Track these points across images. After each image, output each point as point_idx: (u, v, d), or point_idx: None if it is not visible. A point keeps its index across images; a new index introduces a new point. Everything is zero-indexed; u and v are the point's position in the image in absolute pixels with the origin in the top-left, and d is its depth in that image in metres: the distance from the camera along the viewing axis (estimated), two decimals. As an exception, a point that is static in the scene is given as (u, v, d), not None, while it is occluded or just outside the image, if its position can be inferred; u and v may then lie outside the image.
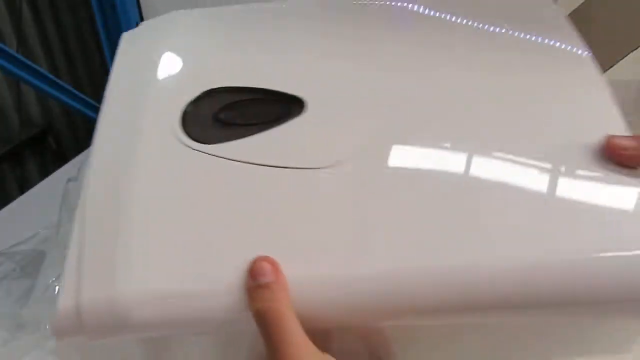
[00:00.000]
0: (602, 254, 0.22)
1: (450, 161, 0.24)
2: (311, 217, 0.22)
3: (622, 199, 0.24)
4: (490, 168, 0.24)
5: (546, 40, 0.32)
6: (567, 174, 0.24)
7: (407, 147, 0.24)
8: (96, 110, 1.15)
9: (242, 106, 0.26)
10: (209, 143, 0.24)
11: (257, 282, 0.22)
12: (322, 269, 0.22)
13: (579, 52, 0.33)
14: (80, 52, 1.31)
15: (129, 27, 1.22)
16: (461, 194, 0.23)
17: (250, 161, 0.23)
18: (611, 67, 0.52)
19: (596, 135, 0.26)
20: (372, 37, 0.30)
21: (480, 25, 0.31)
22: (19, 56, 0.91)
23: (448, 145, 0.25)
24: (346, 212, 0.22)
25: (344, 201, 0.22)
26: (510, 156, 0.25)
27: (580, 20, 0.75)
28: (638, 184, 0.24)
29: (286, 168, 0.23)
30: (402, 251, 0.22)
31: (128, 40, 0.34)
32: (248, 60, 0.30)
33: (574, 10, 0.78)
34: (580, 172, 0.24)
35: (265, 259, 0.22)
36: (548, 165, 0.24)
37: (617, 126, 0.27)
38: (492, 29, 0.31)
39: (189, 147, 0.24)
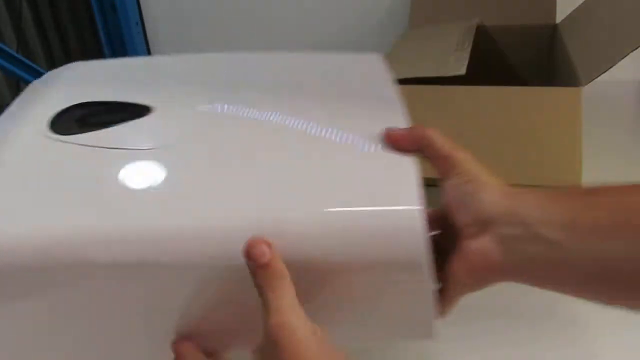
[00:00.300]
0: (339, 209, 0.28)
1: (251, 148, 0.32)
2: (133, 181, 0.29)
3: (380, 169, 0.30)
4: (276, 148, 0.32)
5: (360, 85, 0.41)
6: (345, 154, 0.31)
7: (216, 140, 0.32)
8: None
9: (101, 112, 0.35)
10: (67, 134, 0.32)
11: (259, 262, 0.26)
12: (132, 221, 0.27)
13: (386, 88, 0.40)
14: (80, 52, 1.31)
15: (129, 27, 1.21)
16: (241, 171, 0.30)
17: (99, 145, 0.31)
18: (611, 67, 0.52)
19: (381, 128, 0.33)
20: (220, 80, 0.41)
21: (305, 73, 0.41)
22: (19, 56, 0.91)
23: (250, 139, 0.33)
24: (161, 176, 0.30)
25: (163, 170, 0.30)
26: (299, 138, 0.33)
27: (581, 20, 0.75)
28: (401, 160, 0.30)
29: (125, 149, 0.31)
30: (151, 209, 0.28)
31: (32, 86, 0.41)
32: (116, 89, 0.38)
33: (574, 11, 0.78)
34: (357, 151, 0.31)
35: (263, 242, 0.26)
36: (331, 147, 0.32)
37: (398, 123, 0.33)
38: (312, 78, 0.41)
39: (51, 138, 0.31)
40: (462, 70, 0.58)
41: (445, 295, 0.31)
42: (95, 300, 0.28)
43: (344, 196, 0.28)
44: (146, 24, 1.13)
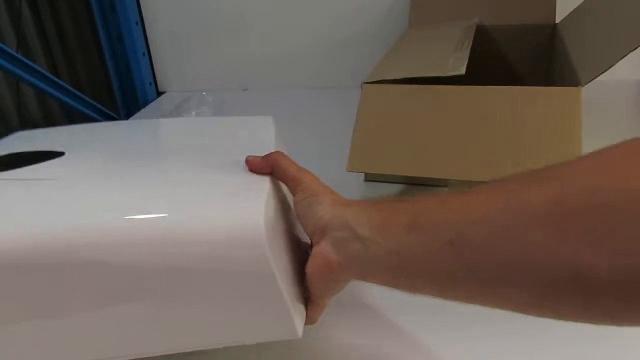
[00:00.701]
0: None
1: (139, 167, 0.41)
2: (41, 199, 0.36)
3: (228, 186, 0.37)
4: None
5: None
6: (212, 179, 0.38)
7: (113, 173, 0.40)
8: (96, 110, 1.15)
9: (23, 159, 0.43)
10: None
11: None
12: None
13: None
14: (80, 52, 1.31)
15: (129, 27, 1.21)
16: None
17: (17, 178, 0.38)
18: (611, 67, 0.52)
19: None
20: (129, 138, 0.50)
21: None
22: (19, 56, 0.91)
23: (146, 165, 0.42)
24: (60, 194, 0.36)
25: (66, 188, 0.37)
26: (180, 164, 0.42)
27: (581, 20, 0.75)
28: (251, 181, 0.37)
29: (36, 180, 0.38)
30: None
31: None
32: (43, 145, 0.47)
33: (574, 11, 0.78)
34: (219, 174, 0.39)
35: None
36: (204, 173, 0.39)
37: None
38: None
39: None
40: (462, 70, 0.58)
41: (310, 300, 0.38)
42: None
43: (200, 206, 0.34)
44: (146, 24, 1.13)
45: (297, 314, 0.36)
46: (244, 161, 0.39)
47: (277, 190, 0.39)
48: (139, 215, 0.32)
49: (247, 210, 0.33)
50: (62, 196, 0.35)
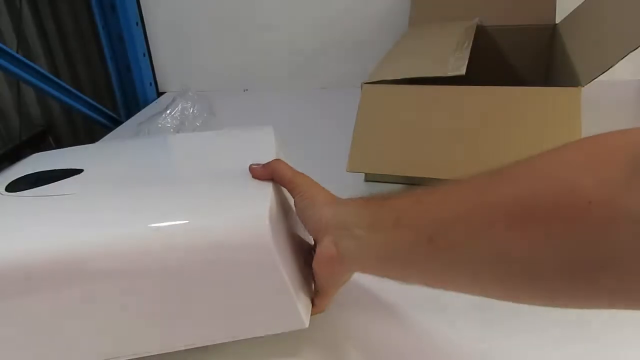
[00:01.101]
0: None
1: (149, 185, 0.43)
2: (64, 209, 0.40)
3: (234, 192, 0.41)
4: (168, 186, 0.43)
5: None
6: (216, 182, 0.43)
7: (129, 186, 0.43)
8: (96, 110, 1.15)
9: (45, 177, 0.46)
10: (17, 192, 0.44)
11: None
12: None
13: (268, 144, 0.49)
14: (80, 52, 1.31)
15: (129, 27, 1.21)
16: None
17: (40, 195, 0.42)
18: (611, 67, 0.52)
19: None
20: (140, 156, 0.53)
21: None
22: (19, 56, 0.91)
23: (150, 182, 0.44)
24: (78, 206, 0.40)
25: (89, 201, 0.41)
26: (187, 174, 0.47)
27: (581, 20, 0.75)
28: (255, 188, 0.40)
29: (61, 195, 0.42)
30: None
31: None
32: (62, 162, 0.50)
33: (574, 11, 0.78)
34: (225, 181, 0.43)
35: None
36: (209, 181, 0.43)
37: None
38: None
39: (3, 194, 0.43)
40: (462, 70, 0.58)
41: (319, 292, 0.42)
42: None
43: (213, 212, 0.38)
44: (146, 24, 1.13)
45: (302, 305, 0.39)
46: (248, 170, 0.43)
47: (279, 194, 0.42)
48: (163, 222, 0.37)
49: (254, 214, 0.37)
50: (87, 208, 0.40)
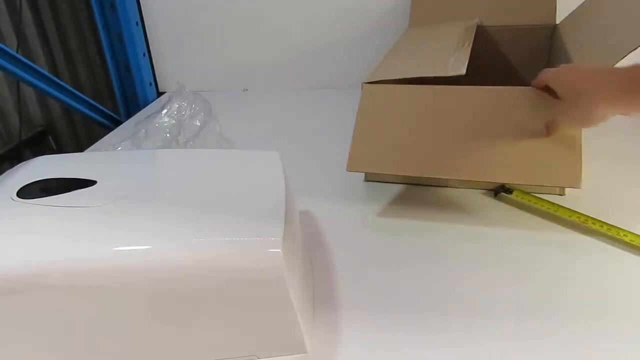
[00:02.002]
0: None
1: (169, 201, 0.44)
2: (81, 224, 0.41)
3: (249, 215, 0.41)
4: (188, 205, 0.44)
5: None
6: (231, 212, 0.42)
7: (144, 201, 0.44)
8: (96, 110, 1.15)
9: (57, 185, 0.46)
10: (30, 199, 0.44)
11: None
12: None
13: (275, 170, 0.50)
14: (80, 52, 1.31)
15: (129, 27, 1.21)
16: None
17: (52, 204, 0.42)
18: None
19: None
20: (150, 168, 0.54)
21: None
22: (19, 56, 0.91)
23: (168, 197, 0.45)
24: (100, 221, 0.41)
25: (104, 215, 0.42)
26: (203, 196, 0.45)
27: (581, 20, 0.75)
28: (269, 210, 0.42)
29: (77, 207, 0.42)
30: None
31: (5, 173, 0.52)
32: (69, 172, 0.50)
33: (574, 11, 0.78)
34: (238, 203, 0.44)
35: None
36: (224, 201, 0.44)
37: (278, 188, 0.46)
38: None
39: (15, 200, 0.43)
40: (462, 70, 0.58)
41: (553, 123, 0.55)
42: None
43: (228, 233, 0.39)
44: (146, 24, 1.13)
45: (306, 330, 0.41)
46: (259, 192, 0.45)
47: (292, 215, 0.43)
48: (176, 242, 0.38)
49: (268, 238, 0.38)
50: (102, 224, 0.41)
